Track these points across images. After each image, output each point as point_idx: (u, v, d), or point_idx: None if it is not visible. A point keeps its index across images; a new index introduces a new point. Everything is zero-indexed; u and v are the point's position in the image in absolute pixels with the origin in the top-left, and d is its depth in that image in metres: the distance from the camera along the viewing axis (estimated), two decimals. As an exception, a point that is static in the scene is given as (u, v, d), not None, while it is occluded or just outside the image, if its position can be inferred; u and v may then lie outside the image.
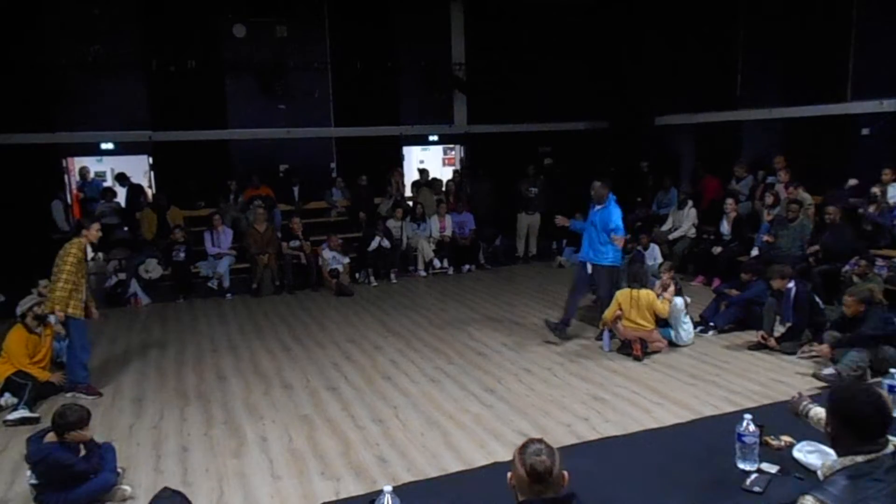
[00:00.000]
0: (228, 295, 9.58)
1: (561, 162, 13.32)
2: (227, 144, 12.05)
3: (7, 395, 5.48)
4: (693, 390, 5.48)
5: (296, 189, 11.81)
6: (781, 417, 3.72)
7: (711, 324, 7.11)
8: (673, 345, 6.60)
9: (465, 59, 13.12)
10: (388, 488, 2.75)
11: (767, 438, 3.42)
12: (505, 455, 4.27)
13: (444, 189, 12.07)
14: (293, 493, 4.04)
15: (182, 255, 9.64)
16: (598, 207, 6.71)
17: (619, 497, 3.06)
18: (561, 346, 6.79)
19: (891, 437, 2.28)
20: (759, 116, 10.61)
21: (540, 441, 2.20)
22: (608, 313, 6.56)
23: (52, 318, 5.85)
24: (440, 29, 13.06)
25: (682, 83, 11.87)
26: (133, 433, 4.99)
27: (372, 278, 10.25)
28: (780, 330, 6.50)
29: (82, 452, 3.99)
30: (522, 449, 2.18)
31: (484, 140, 13.42)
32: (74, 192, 12.08)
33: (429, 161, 15.01)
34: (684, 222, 10.06)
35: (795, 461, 3.26)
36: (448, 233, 11.06)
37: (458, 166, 14.19)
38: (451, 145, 14.88)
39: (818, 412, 3.02)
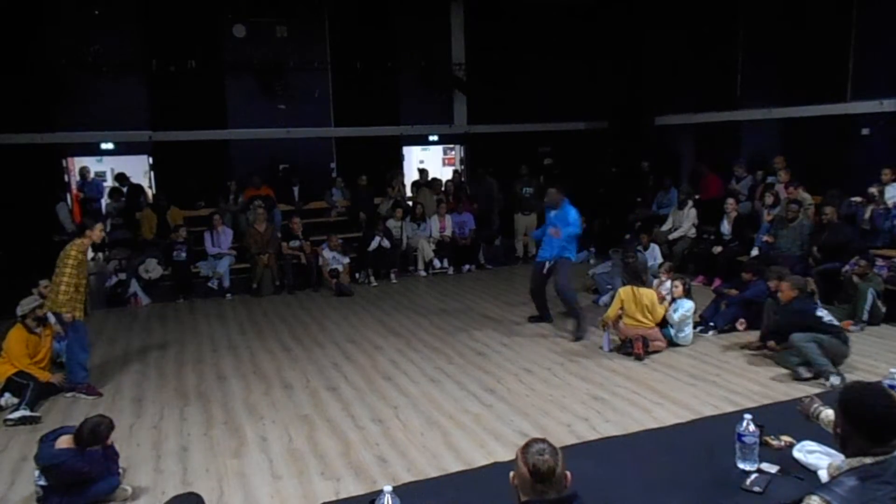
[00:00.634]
0: (228, 295, 9.58)
1: (561, 162, 13.33)
2: (227, 144, 12.06)
3: (7, 395, 5.48)
4: (693, 390, 5.48)
5: (296, 189, 11.82)
6: (781, 417, 3.72)
7: (711, 324, 7.11)
8: (673, 345, 6.60)
9: (465, 59, 13.13)
10: (388, 488, 2.75)
11: (767, 438, 3.43)
12: (505, 455, 4.27)
13: (443, 189, 12.08)
14: (293, 493, 4.04)
15: (182, 255, 9.64)
16: (554, 212, 7.22)
17: (619, 497, 3.06)
18: (561, 346, 6.79)
19: None
20: (759, 116, 10.61)
21: (543, 441, 2.19)
22: (610, 312, 6.57)
23: (51, 318, 5.85)
24: (440, 29, 13.07)
25: (682, 83, 11.87)
26: (133, 433, 4.98)
27: (372, 278, 10.25)
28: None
29: (98, 457, 3.99)
30: (525, 448, 2.16)
31: (484, 140, 13.42)
32: (74, 192, 12.09)
33: (429, 161, 15.02)
34: (684, 222, 10.06)
35: (795, 461, 3.26)
36: (448, 233, 11.06)
37: (458, 166, 14.21)
38: (451, 145, 14.89)
39: (829, 414, 2.98)
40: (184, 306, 9.19)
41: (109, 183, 12.81)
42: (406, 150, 13.84)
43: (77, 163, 12.44)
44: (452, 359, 6.51)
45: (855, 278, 7.17)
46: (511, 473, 2.19)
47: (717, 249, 9.18)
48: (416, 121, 13.08)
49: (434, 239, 11.00)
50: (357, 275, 10.35)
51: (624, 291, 6.53)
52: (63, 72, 10.73)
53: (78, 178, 12.35)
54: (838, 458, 2.46)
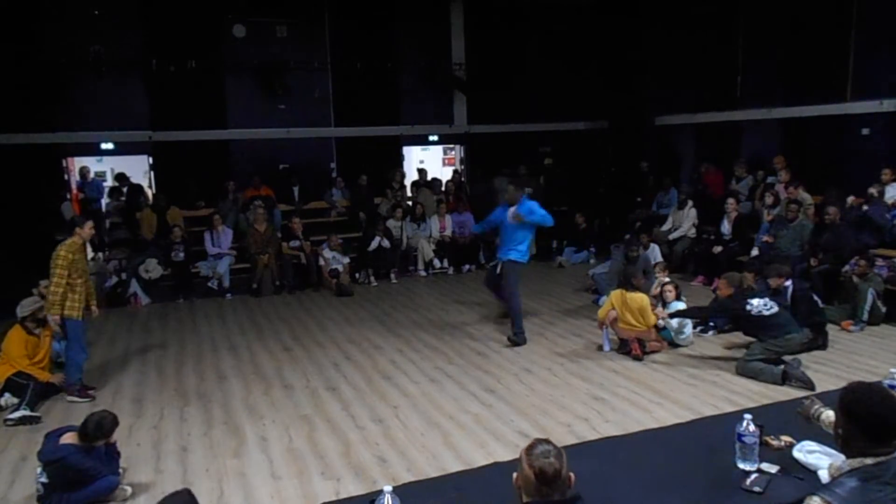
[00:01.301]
0: (228, 295, 9.58)
1: (561, 162, 13.33)
2: (227, 144, 12.06)
3: (7, 395, 5.47)
4: (693, 390, 5.47)
5: (296, 189, 11.82)
6: (781, 417, 3.73)
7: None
8: (673, 345, 6.60)
9: (465, 59, 13.12)
10: (388, 488, 2.75)
11: (767, 438, 3.43)
12: (505, 455, 4.28)
13: (443, 189, 12.07)
14: (293, 493, 4.04)
15: (180, 255, 9.64)
16: (513, 209, 6.93)
17: (619, 496, 3.06)
18: (561, 346, 6.79)
19: None
20: (759, 116, 10.62)
21: (547, 442, 2.17)
22: (601, 312, 6.59)
23: (50, 319, 5.84)
24: (440, 29, 13.07)
25: (682, 83, 11.88)
26: (133, 433, 4.98)
27: (372, 278, 10.25)
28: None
29: (101, 454, 4.01)
30: (530, 450, 2.15)
31: (484, 140, 13.42)
32: (74, 192, 12.09)
33: (429, 161, 15.02)
34: (684, 222, 10.06)
35: (795, 461, 3.26)
36: (448, 233, 11.06)
37: (458, 166, 14.21)
38: (451, 145, 14.89)
39: (830, 415, 2.98)
40: (184, 306, 9.18)
41: (109, 183, 12.80)
42: (406, 150, 13.84)
43: (77, 163, 12.45)
44: (452, 359, 6.51)
45: (855, 278, 7.17)
46: (514, 474, 2.18)
47: (717, 249, 9.19)
48: (416, 121, 13.08)
49: (434, 239, 11.00)
50: (357, 275, 10.35)
51: (614, 295, 6.52)
52: (63, 72, 10.73)
53: (78, 177, 12.35)
54: (838, 458, 2.46)
